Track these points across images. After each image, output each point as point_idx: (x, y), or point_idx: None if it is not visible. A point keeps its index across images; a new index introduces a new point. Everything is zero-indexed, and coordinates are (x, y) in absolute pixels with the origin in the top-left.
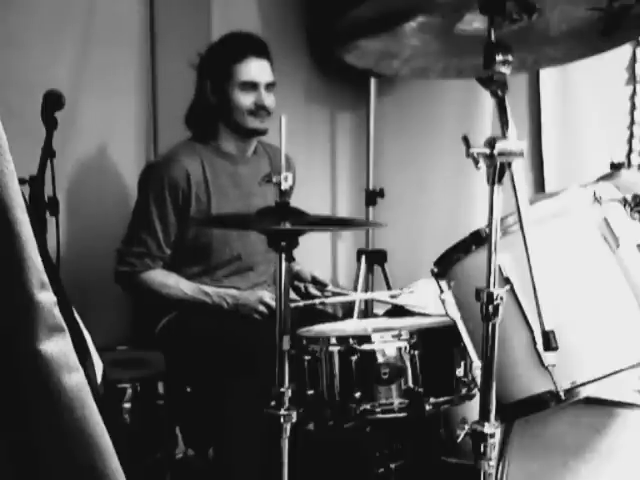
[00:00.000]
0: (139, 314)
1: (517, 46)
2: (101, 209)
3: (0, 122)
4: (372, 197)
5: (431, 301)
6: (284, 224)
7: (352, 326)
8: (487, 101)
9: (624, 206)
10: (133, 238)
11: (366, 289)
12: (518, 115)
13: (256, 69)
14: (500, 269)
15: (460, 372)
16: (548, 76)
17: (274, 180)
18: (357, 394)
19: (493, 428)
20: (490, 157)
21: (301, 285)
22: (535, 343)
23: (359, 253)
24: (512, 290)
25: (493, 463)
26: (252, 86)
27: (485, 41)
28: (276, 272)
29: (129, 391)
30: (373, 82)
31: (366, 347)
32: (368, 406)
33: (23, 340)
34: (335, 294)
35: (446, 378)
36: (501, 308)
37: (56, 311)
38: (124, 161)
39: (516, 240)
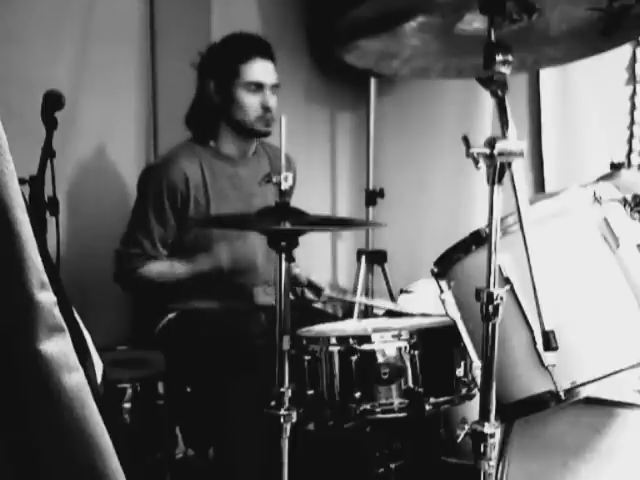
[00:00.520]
0: (139, 314)
1: (517, 46)
2: (101, 209)
3: (0, 122)
4: (372, 197)
5: (431, 301)
6: (284, 224)
7: (352, 326)
8: (487, 101)
9: (624, 206)
10: (130, 239)
11: (366, 289)
12: (518, 115)
13: (262, 70)
14: (500, 269)
15: (460, 372)
16: (548, 76)
17: (274, 180)
18: (357, 394)
19: (493, 428)
20: (490, 157)
21: (297, 289)
22: (535, 343)
23: (359, 253)
24: (512, 290)
25: (493, 463)
26: (258, 87)
27: (485, 41)
28: (276, 272)
29: (129, 391)
30: (373, 82)
31: (366, 347)
32: (368, 406)
33: (23, 340)
34: (331, 298)
35: (446, 378)
36: (501, 308)
37: (56, 311)
38: (124, 161)
39: (516, 240)
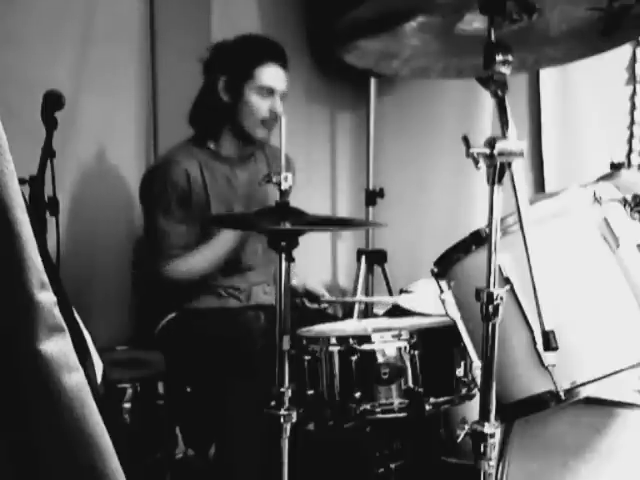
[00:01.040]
0: (139, 314)
1: (517, 46)
2: (101, 209)
3: (0, 122)
4: (372, 197)
5: (431, 301)
6: (284, 224)
7: (352, 326)
8: (487, 101)
9: (624, 206)
10: (152, 249)
11: (366, 289)
12: (518, 115)
13: (276, 76)
14: (500, 269)
15: (460, 372)
16: (548, 76)
17: (274, 180)
18: (357, 394)
19: (493, 428)
20: (490, 157)
21: (297, 300)
22: (535, 343)
23: (359, 253)
24: (512, 290)
25: (493, 463)
26: (269, 92)
27: (485, 41)
28: (276, 272)
29: (129, 391)
30: (373, 82)
31: (366, 347)
32: (368, 406)
33: (23, 340)
34: (331, 302)
35: (446, 378)
36: (501, 308)
37: (56, 311)
38: (124, 161)
39: (516, 240)
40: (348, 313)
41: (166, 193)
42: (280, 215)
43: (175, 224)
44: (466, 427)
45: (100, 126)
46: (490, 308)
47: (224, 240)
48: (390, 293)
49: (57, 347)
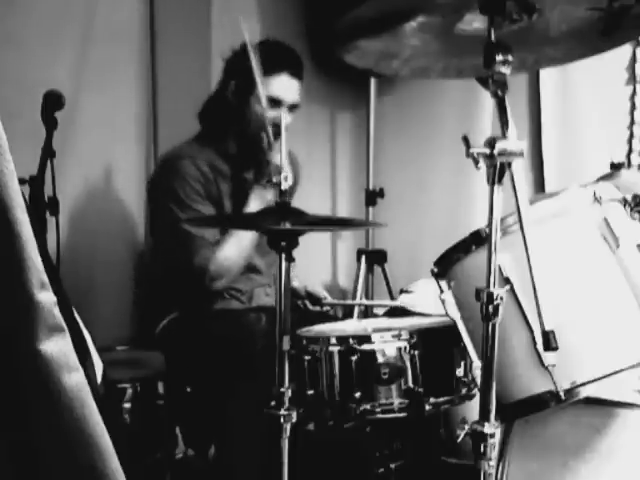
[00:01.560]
0: (139, 314)
1: (517, 46)
2: (101, 209)
3: (0, 122)
4: (372, 197)
5: (431, 301)
6: (284, 224)
7: (352, 326)
8: (487, 101)
9: (624, 206)
10: (184, 251)
11: (366, 289)
12: (518, 115)
13: (285, 87)
14: (500, 269)
15: (460, 372)
16: (548, 76)
17: (274, 180)
18: (357, 394)
19: (493, 428)
20: (490, 157)
21: (299, 302)
22: (535, 343)
23: (359, 253)
24: (512, 290)
25: (493, 463)
26: (275, 102)
27: (485, 41)
28: (276, 272)
29: (129, 391)
30: (373, 82)
31: (366, 347)
32: (368, 406)
33: (23, 340)
34: (332, 306)
35: (446, 378)
36: (501, 308)
37: (56, 311)
38: (124, 160)
39: (516, 240)
40: (348, 313)
41: (184, 188)
42: (280, 215)
43: (193, 214)
44: (466, 427)
45: (100, 126)
46: (490, 308)
47: (244, 234)
48: (390, 293)
49: (57, 347)
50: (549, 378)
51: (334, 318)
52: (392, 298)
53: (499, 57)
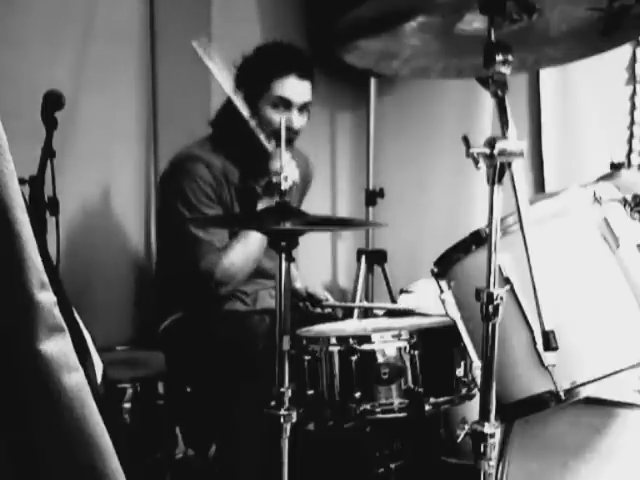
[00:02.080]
0: (140, 314)
1: (517, 46)
2: (101, 209)
3: (0, 122)
4: (372, 197)
5: (431, 301)
6: (284, 224)
7: (352, 326)
8: (487, 101)
9: (624, 206)
10: (191, 253)
11: (366, 289)
12: (518, 115)
13: (294, 88)
14: (500, 269)
15: (460, 372)
16: (548, 76)
17: (274, 180)
18: (357, 394)
19: (493, 428)
20: (490, 157)
21: (300, 304)
22: (535, 343)
23: (359, 253)
24: (512, 290)
25: (493, 463)
26: (286, 104)
27: (485, 41)
28: (276, 272)
29: (129, 391)
30: (373, 82)
31: (366, 347)
32: (368, 406)
33: (23, 340)
34: (334, 307)
35: (446, 378)
36: (501, 308)
37: (56, 311)
38: (124, 160)
39: (516, 240)
40: (348, 313)
41: (194, 190)
42: (280, 215)
43: (216, 217)
44: (466, 427)
45: (100, 126)
46: (490, 308)
47: (255, 237)
48: (390, 293)
49: (57, 347)
50: (549, 378)
51: (334, 318)
52: (392, 298)
53: (499, 57)
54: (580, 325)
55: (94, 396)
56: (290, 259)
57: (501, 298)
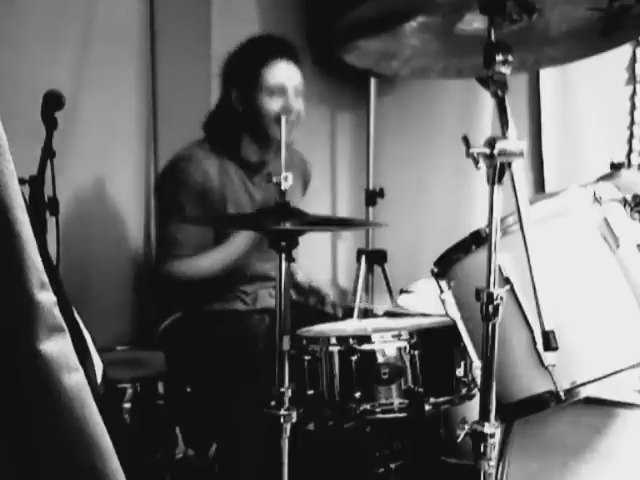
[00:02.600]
0: (140, 314)
1: (517, 46)
2: (101, 209)
3: (0, 122)
4: (372, 197)
5: (431, 301)
6: (284, 224)
7: (352, 326)
8: (487, 101)
9: (624, 206)
10: (162, 240)
11: (366, 289)
12: (518, 115)
13: (283, 72)
14: (500, 269)
15: (460, 372)
16: (548, 76)
17: (274, 180)
18: (357, 394)
19: (493, 428)
20: (490, 157)
21: (301, 298)
22: (535, 343)
23: (359, 253)
24: (512, 290)
25: (493, 463)
26: (280, 90)
27: (485, 41)
28: (276, 272)
29: (129, 391)
30: (373, 82)
31: (366, 347)
32: (368, 406)
33: (23, 340)
34: (334, 308)
35: (446, 378)
36: (501, 308)
37: (56, 311)
38: (124, 160)
39: (516, 240)
40: (348, 313)
41: (182, 193)
42: (280, 215)
43: (188, 225)
44: (466, 427)
45: (100, 126)
46: (490, 308)
47: (236, 244)
48: (390, 293)
49: (57, 347)
50: (549, 378)
51: (334, 318)
52: (392, 298)
53: (499, 57)
54: (580, 325)
55: (94, 396)
56: (290, 259)
57: (501, 298)
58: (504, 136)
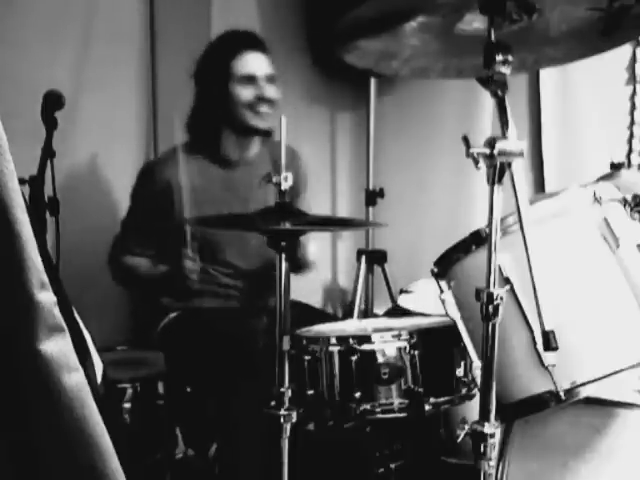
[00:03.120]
0: (140, 313)
1: (517, 46)
2: (101, 209)
3: (0, 122)
4: (372, 197)
5: (431, 301)
6: (284, 224)
7: (352, 326)
8: (487, 101)
9: (624, 206)
10: (122, 230)
11: (366, 289)
12: (518, 115)
13: (253, 62)
14: (500, 269)
15: (460, 372)
16: (548, 76)
17: (274, 180)
18: (357, 394)
19: (493, 428)
20: (490, 157)
21: None
22: (535, 343)
23: (359, 253)
24: (512, 290)
25: (493, 463)
26: (251, 79)
27: (485, 41)
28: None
29: (129, 391)
30: (373, 82)
31: (366, 347)
32: (368, 406)
33: (23, 340)
34: None
35: (446, 378)
36: (501, 308)
37: (56, 311)
38: (124, 161)
39: (516, 240)
40: (348, 313)
41: (143, 200)
42: (280, 215)
43: (143, 229)
44: (466, 427)
45: (100, 126)
46: (490, 308)
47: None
48: (390, 293)
49: (57, 347)
50: (549, 378)
51: (334, 318)
52: (392, 298)
53: (499, 57)
54: (580, 325)
55: (94, 396)
56: (290, 259)
57: (501, 298)
58: (504, 136)
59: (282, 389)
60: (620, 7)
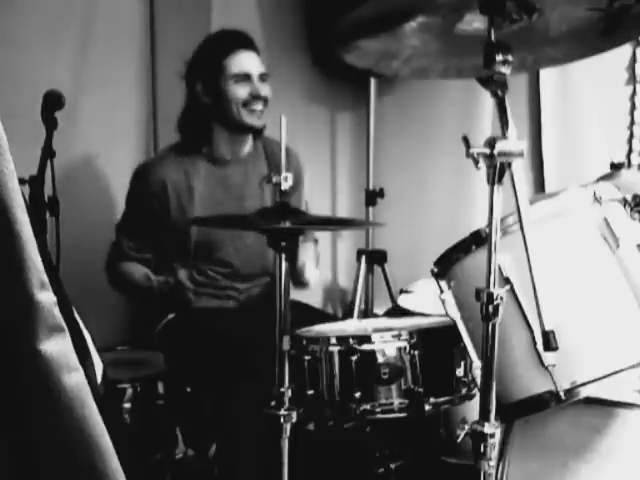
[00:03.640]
0: (140, 314)
1: (517, 46)
2: (101, 209)
3: (0, 122)
4: (372, 197)
5: (431, 301)
6: (284, 224)
7: (352, 326)
8: (487, 101)
9: (624, 206)
10: (117, 235)
11: (366, 289)
12: (518, 115)
13: (246, 60)
14: (500, 269)
15: (460, 372)
16: (548, 76)
17: (274, 180)
18: (357, 394)
19: (493, 428)
20: (490, 157)
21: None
22: (535, 343)
23: (359, 253)
24: (512, 290)
25: (493, 463)
26: (245, 77)
27: (485, 41)
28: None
29: (129, 391)
30: (373, 82)
31: (366, 347)
32: (368, 406)
33: (23, 340)
34: None
35: (446, 378)
36: (501, 308)
37: (56, 311)
38: (124, 161)
39: (516, 240)
40: (348, 313)
41: (138, 202)
42: (280, 215)
43: (139, 232)
44: (466, 427)
45: (100, 126)
46: (490, 308)
47: (148, 280)
48: (390, 293)
49: (57, 347)
50: (549, 378)
51: (334, 318)
52: (392, 298)
53: (499, 57)
54: (580, 325)
55: (94, 396)
56: (289, 259)
57: (501, 298)
58: (504, 136)
59: (282, 389)
60: (620, 7)
